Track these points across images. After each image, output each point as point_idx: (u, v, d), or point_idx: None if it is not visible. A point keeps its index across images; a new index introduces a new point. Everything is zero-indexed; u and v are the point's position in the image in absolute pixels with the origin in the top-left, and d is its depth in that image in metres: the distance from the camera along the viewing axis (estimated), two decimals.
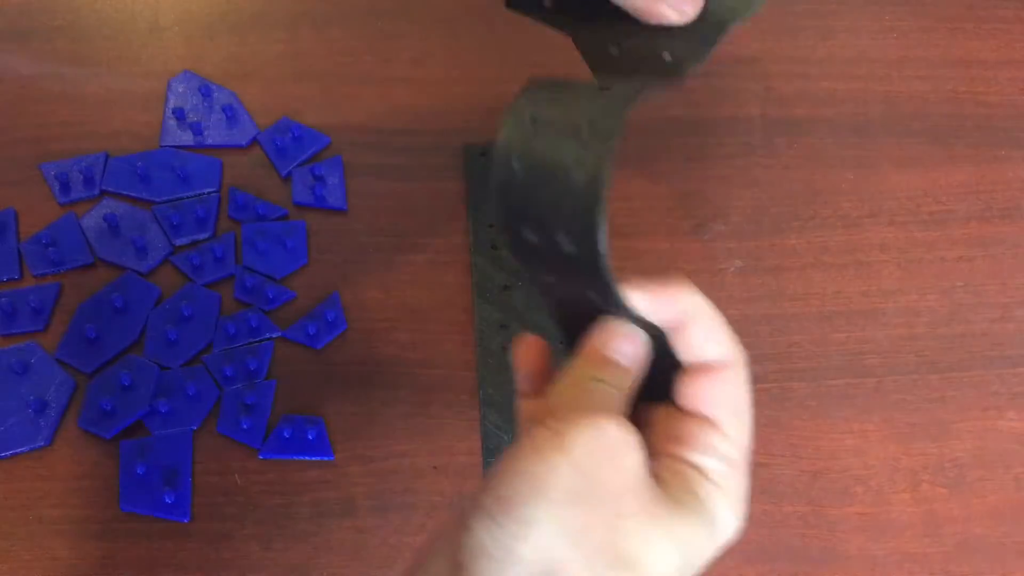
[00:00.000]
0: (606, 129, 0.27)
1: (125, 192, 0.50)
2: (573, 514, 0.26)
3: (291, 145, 0.52)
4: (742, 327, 0.47)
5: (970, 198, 0.52)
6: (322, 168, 0.51)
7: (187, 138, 0.52)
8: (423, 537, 0.42)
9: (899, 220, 0.51)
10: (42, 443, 0.43)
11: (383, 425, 0.45)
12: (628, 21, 0.34)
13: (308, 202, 0.50)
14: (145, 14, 0.57)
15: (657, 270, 0.49)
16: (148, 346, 0.46)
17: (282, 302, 0.47)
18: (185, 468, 0.43)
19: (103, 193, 0.51)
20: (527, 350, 0.32)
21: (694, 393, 0.30)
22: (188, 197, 0.50)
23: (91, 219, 0.50)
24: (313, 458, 0.44)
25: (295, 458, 0.44)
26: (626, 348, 0.30)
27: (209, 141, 0.52)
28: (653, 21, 0.34)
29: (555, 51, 0.56)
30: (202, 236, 0.49)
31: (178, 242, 0.49)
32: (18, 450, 0.43)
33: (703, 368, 0.30)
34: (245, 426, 0.44)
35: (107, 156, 0.51)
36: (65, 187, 0.50)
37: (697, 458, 0.29)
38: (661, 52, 0.33)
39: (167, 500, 0.42)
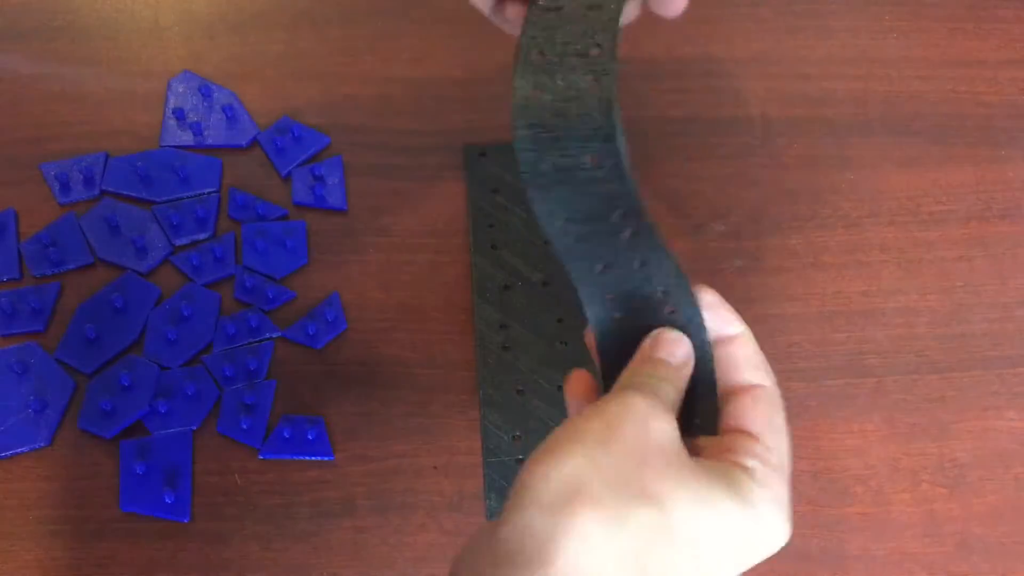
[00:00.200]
0: (608, 47, 0.32)
1: (125, 192, 0.50)
2: (602, 452, 0.29)
3: (291, 145, 0.52)
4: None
5: (970, 198, 0.52)
6: (322, 168, 0.51)
7: (187, 138, 0.52)
8: (424, 536, 0.42)
9: (899, 220, 0.51)
10: (42, 443, 0.43)
11: (383, 425, 0.45)
12: None
13: (308, 202, 0.50)
14: (145, 14, 0.57)
15: None
16: (148, 346, 0.46)
17: (282, 302, 0.48)
18: (185, 468, 0.43)
19: (103, 193, 0.51)
20: (576, 383, 0.34)
21: (736, 411, 0.33)
22: (188, 197, 0.50)
23: (91, 219, 0.50)
24: (313, 458, 0.44)
25: (295, 458, 0.44)
26: (674, 349, 0.33)
27: (209, 141, 0.52)
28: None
29: None
30: (202, 236, 0.49)
31: (178, 242, 0.49)
32: (18, 450, 0.43)
33: (742, 390, 0.33)
34: (245, 426, 0.44)
35: (107, 156, 0.51)
36: (65, 187, 0.50)
37: (739, 458, 0.31)
38: None
39: (167, 500, 0.42)
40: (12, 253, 0.48)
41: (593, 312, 0.34)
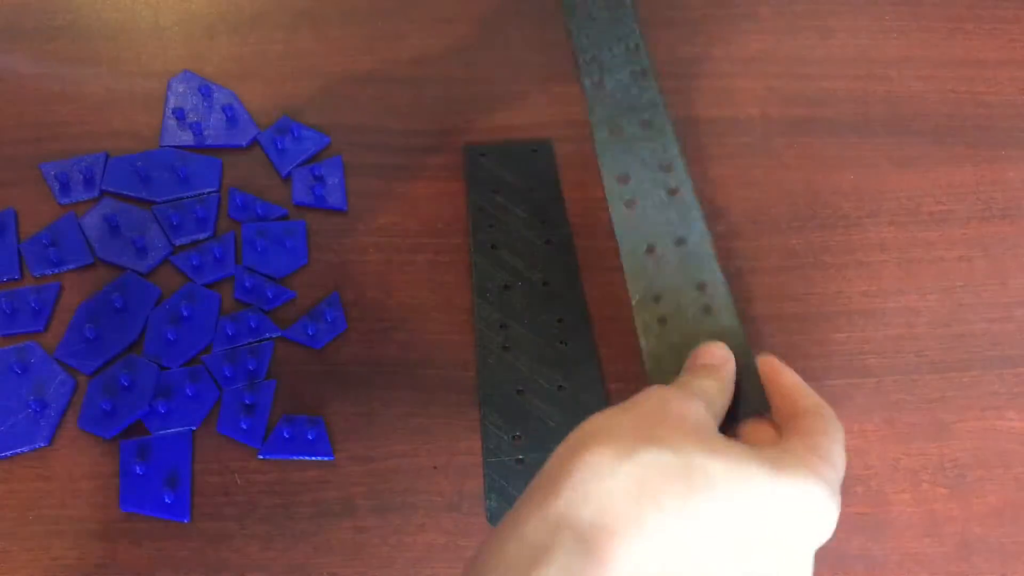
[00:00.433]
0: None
1: (125, 192, 0.50)
2: (620, 411, 0.32)
3: (291, 145, 0.52)
4: (742, 327, 0.47)
5: (970, 198, 0.52)
6: (322, 168, 0.51)
7: (187, 138, 0.52)
8: (424, 536, 0.42)
9: (899, 220, 0.51)
10: (42, 443, 0.43)
11: (383, 425, 0.45)
12: None
13: (308, 202, 0.50)
14: (145, 14, 0.57)
15: None
16: (148, 346, 0.46)
17: (282, 302, 0.48)
18: (185, 468, 0.43)
19: (103, 193, 0.51)
20: None
21: (793, 425, 0.34)
22: (188, 197, 0.50)
23: (91, 219, 0.50)
24: (313, 458, 0.44)
25: (295, 458, 0.44)
26: (714, 351, 0.36)
27: (209, 141, 0.52)
28: None
29: (554, 50, 0.57)
30: (202, 236, 0.49)
31: (178, 242, 0.49)
32: (18, 450, 0.43)
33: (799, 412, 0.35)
34: (245, 426, 0.44)
35: (107, 156, 0.51)
36: (65, 187, 0.50)
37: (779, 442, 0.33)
38: None
39: (167, 500, 0.42)
40: (12, 253, 0.48)
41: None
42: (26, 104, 0.53)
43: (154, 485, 0.42)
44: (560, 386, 0.45)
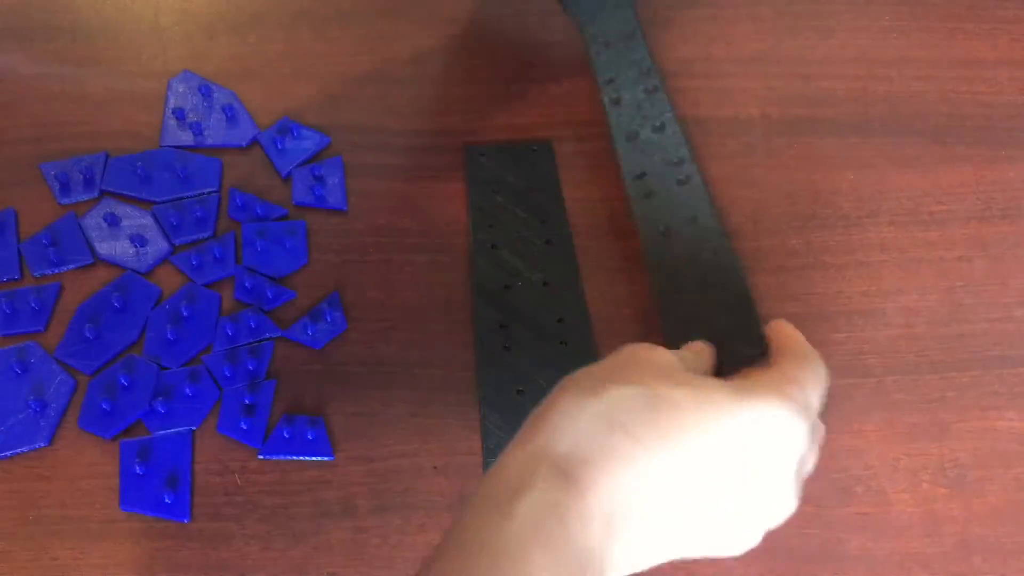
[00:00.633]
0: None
1: (125, 192, 0.50)
2: (603, 371, 0.34)
3: (291, 145, 0.52)
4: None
5: (970, 198, 0.52)
6: (322, 168, 0.51)
7: (187, 138, 0.52)
8: (424, 536, 0.42)
9: (899, 220, 0.51)
10: (42, 443, 0.43)
11: (383, 425, 0.45)
12: None
13: (308, 202, 0.50)
14: (145, 14, 0.57)
15: None
16: (148, 346, 0.46)
17: (282, 302, 0.48)
18: (185, 468, 0.43)
19: (103, 193, 0.51)
20: None
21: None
22: (188, 197, 0.50)
23: (91, 219, 0.50)
24: (313, 458, 0.44)
25: (295, 458, 0.44)
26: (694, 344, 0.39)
27: (209, 141, 0.52)
28: None
29: (555, 50, 0.57)
30: (202, 236, 0.49)
31: (178, 242, 0.49)
32: (18, 450, 0.43)
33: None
34: (245, 426, 0.44)
35: (107, 156, 0.51)
36: (65, 187, 0.50)
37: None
38: None
39: (167, 500, 0.42)
40: (12, 253, 0.48)
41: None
42: (26, 104, 0.53)
43: (154, 485, 0.42)
44: None
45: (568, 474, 0.31)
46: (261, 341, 0.46)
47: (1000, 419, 0.45)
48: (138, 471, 0.42)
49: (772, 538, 0.42)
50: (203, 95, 0.53)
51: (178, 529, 0.42)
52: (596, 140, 0.52)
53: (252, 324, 0.46)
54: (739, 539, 0.34)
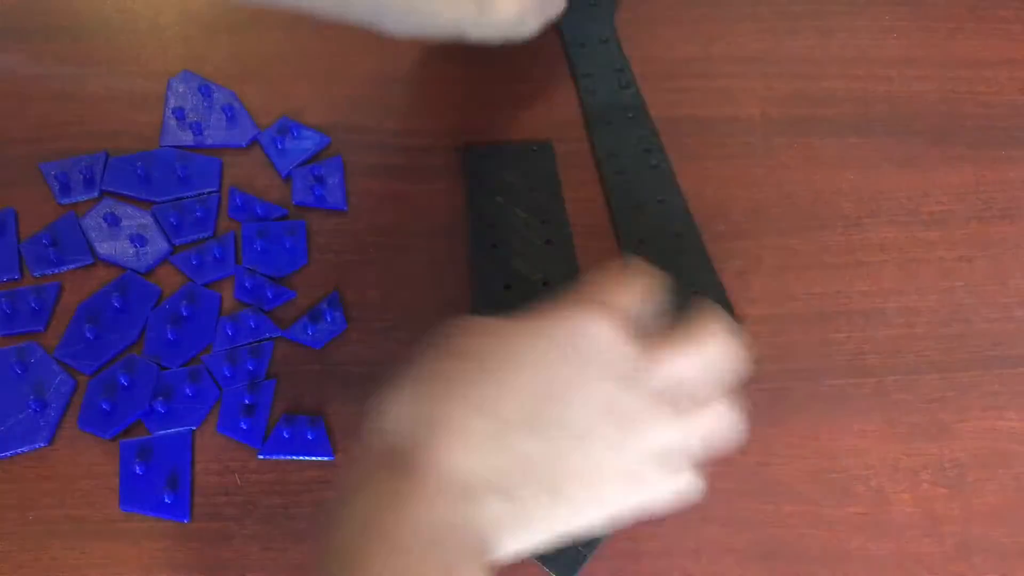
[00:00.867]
0: None
1: (125, 192, 0.50)
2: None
3: (291, 145, 0.52)
4: (742, 327, 0.47)
5: (970, 198, 0.52)
6: (322, 168, 0.51)
7: (187, 138, 0.52)
8: None
9: (899, 220, 0.51)
10: (41, 443, 0.43)
11: None
12: None
13: (308, 202, 0.50)
14: (145, 14, 0.57)
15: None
16: (148, 346, 0.46)
17: (282, 302, 0.48)
18: (185, 468, 0.43)
19: (103, 193, 0.51)
20: None
21: None
22: (188, 197, 0.50)
23: (91, 219, 0.50)
24: (313, 458, 0.44)
25: (295, 458, 0.44)
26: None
27: (209, 141, 0.52)
28: None
29: (554, 51, 0.57)
30: (202, 236, 0.49)
31: (178, 242, 0.49)
32: (17, 450, 0.43)
33: None
34: (245, 426, 0.44)
35: (107, 156, 0.51)
36: (65, 187, 0.50)
37: None
38: None
39: (167, 500, 0.42)
40: (12, 253, 0.48)
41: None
42: (26, 104, 0.53)
43: (154, 485, 0.42)
44: None
45: (398, 464, 0.31)
46: (261, 341, 0.46)
47: (1000, 419, 0.45)
48: (138, 471, 0.42)
49: (772, 538, 0.42)
50: (203, 95, 0.53)
51: (178, 529, 0.42)
52: None
53: (252, 324, 0.46)
54: (606, 471, 0.33)
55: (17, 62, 0.55)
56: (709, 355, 0.35)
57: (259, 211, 0.50)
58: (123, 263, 0.48)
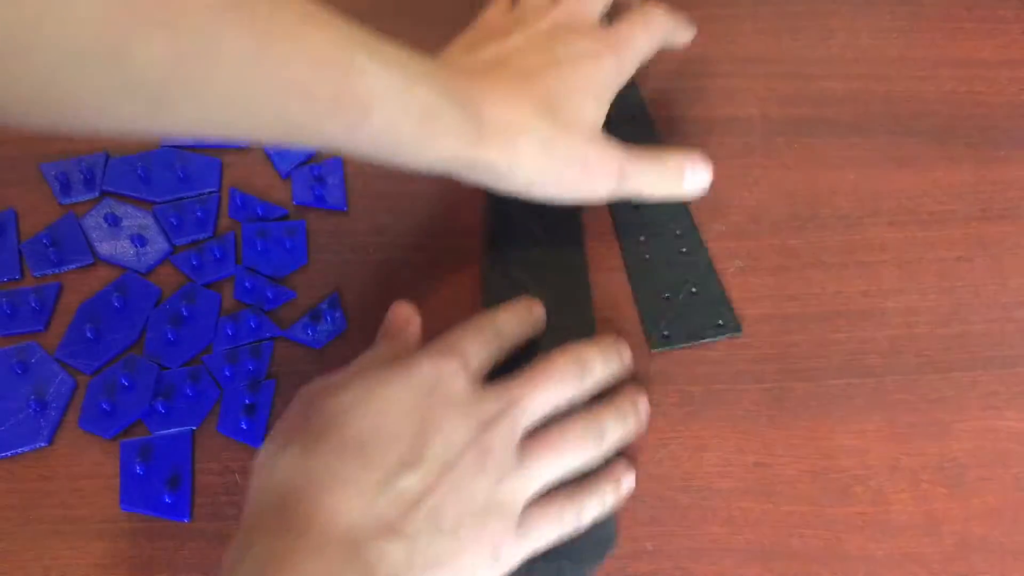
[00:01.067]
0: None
1: (125, 192, 0.50)
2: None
3: None
4: (742, 327, 0.47)
5: (970, 198, 0.52)
6: (322, 168, 0.51)
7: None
8: None
9: (899, 220, 0.51)
10: (42, 443, 0.44)
11: None
12: None
13: (308, 202, 0.50)
14: None
15: None
16: (148, 346, 0.46)
17: (282, 302, 0.48)
18: (185, 468, 0.43)
19: (103, 193, 0.51)
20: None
21: None
22: (188, 197, 0.51)
23: (91, 219, 0.50)
24: None
25: None
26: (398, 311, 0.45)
27: (209, 141, 0.52)
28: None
29: None
30: (202, 236, 0.49)
31: (178, 242, 0.49)
32: (18, 450, 0.43)
33: None
34: (245, 426, 0.44)
35: (107, 156, 0.51)
36: (65, 187, 0.50)
37: None
38: None
39: (167, 500, 0.42)
40: (12, 253, 0.48)
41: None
42: None
43: (154, 485, 0.42)
44: None
45: (291, 520, 0.33)
46: (261, 341, 0.46)
47: (1000, 419, 0.45)
48: (138, 471, 0.42)
49: (772, 538, 0.42)
50: None
51: (178, 529, 0.42)
52: None
53: (252, 324, 0.46)
54: (479, 501, 0.37)
55: None
56: (560, 388, 0.40)
57: (259, 211, 0.50)
58: (123, 263, 0.48)
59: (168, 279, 0.48)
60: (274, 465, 0.35)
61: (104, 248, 0.49)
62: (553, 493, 0.39)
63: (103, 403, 0.44)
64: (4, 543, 0.41)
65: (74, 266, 0.48)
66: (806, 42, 0.58)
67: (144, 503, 0.42)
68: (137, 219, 0.50)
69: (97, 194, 0.50)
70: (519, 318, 0.43)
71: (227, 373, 0.45)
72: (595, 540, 0.40)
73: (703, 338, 0.46)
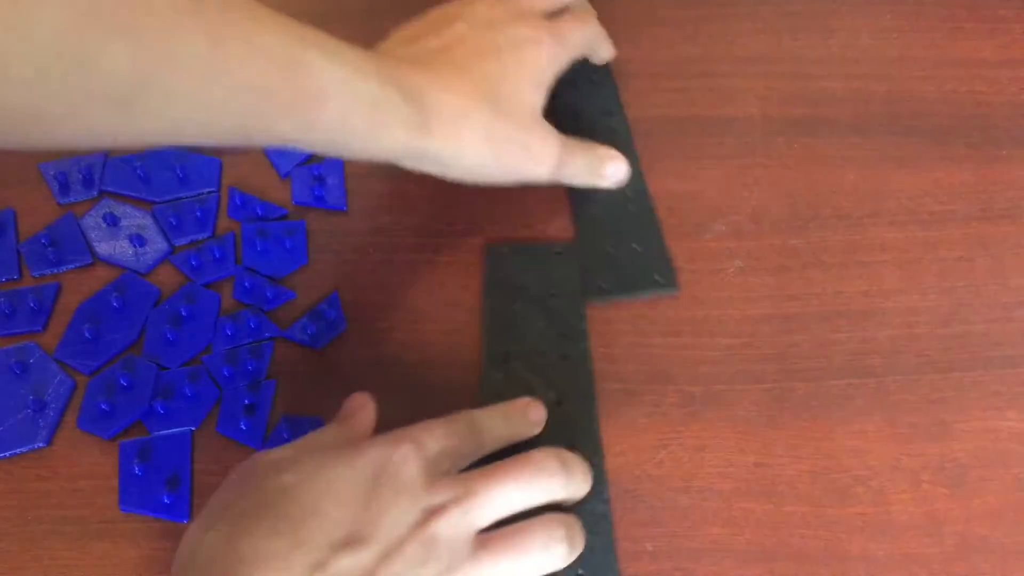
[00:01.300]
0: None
1: (124, 192, 0.50)
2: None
3: None
4: (742, 327, 0.48)
5: (971, 198, 0.52)
6: (322, 168, 0.51)
7: None
8: None
9: (899, 220, 0.51)
10: (41, 443, 0.43)
11: (382, 425, 0.44)
12: None
13: (308, 202, 0.50)
14: None
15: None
16: (147, 346, 0.46)
17: (282, 302, 0.47)
18: (184, 468, 0.43)
19: (102, 193, 0.51)
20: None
21: None
22: (187, 197, 0.50)
23: (90, 219, 0.50)
24: None
25: None
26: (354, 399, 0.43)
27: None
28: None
29: None
30: (201, 236, 0.49)
31: (177, 242, 0.49)
32: (17, 450, 0.43)
33: None
34: (244, 426, 0.44)
35: (106, 156, 0.51)
36: (64, 187, 0.50)
37: None
38: None
39: (166, 500, 0.42)
40: (11, 253, 0.48)
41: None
42: None
43: (153, 485, 0.42)
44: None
45: None
46: (261, 341, 0.46)
47: (1001, 419, 0.45)
48: (137, 471, 0.42)
49: (773, 538, 0.42)
50: None
51: (178, 529, 0.42)
52: None
53: (252, 324, 0.46)
54: None
55: None
56: (527, 491, 0.38)
57: (259, 211, 0.50)
58: (122, 263, 0.48)
59: (167, 279, 0.48)
60: (200, 541, 0.34)
61: (103, 248, 0.49)
62: None
63: (102, 403, 0.44)
64: (2, 544, 0.41)
65: (73, 266, 0.48)
66: (806, 42, 0.57)
67: (143, 504, 0.42)
68: (136, 219, 0.50)
69: (96, 194, 0.50)
70: (507, 418, 0.41)
71: (226, 373, 0.45)
72: None
73: (638, 292, 0.47)
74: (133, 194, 0.50)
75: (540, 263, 0.49)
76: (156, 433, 0.44)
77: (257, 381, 0.45)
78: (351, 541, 0.34)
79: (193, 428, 0.44)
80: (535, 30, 0.46)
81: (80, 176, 0.50)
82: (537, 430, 0.42)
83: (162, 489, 0.42)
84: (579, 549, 0.38)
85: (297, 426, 0.44)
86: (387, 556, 0.34)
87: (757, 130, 0.54)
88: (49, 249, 0.48)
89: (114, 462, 0.43)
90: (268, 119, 0.35)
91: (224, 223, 0.50)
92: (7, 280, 0.48)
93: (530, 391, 0.43)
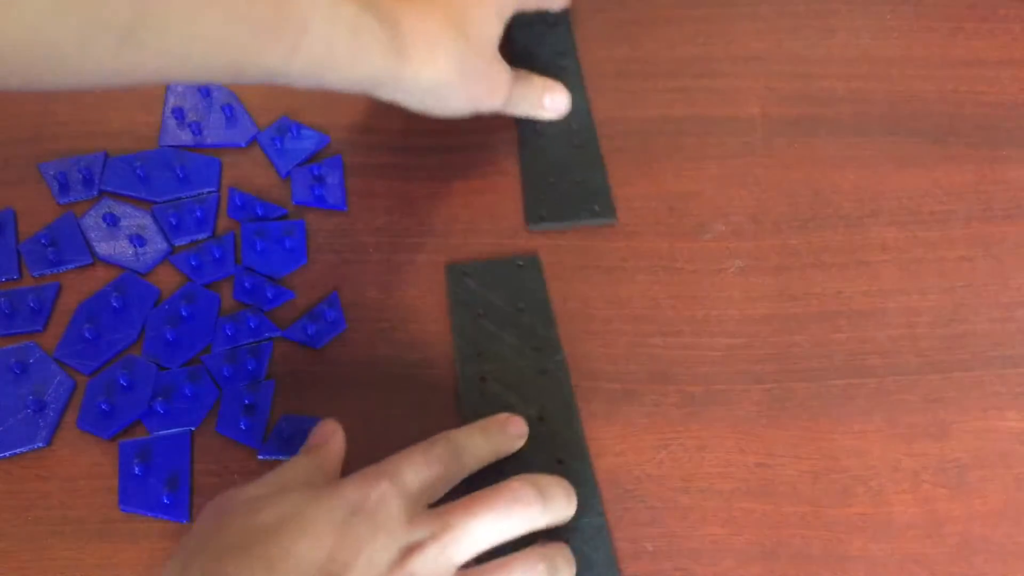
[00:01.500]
0: None
1: (124, 192, 0.50)
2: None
3: (290, 144, 0.52)
4: (742, 327, 0.48)
5: (971, 198, 0.52)
6: (322, 168, 0.51)
7: (186, 138, 0.52)
8: None
9: (900, 220, 0.51)
10: (40, 443, 0.43)
11: (383, 425, 0.44)
12: None
13: (308, 202, 0.50)
14: None
15: (657, 270, 0.49)
16: (147, 346, 0.46)
17: (281, 302, 0.47)
18: (184, 468, 0.43)
19: (102, 193, 0.51)
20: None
21: None
22: (187, 197, 0.50)
23: (90, 219, 0.49)
24: None
25: None
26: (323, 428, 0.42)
27: (208, 141, 0.52)
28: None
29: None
30: (201, 236, 0.49)
31: (177, 242, 0.49)
32: (16, 450, 0.43)
33: None
34: (244, 426, 0.44)
35: (106, 156, 0.51)
36: (64, 187, 0.50)
37: None
38: None
39: (166, 500, 0.42)
40: (11, 253, 0.48)
41: None
42: (25, 104, 0.53)
43: (153, 485, 0.42)
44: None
45: None
46: (260, 341, 0.46)
47: (1001, 419, 0.45)
48: (137, 471, 0.42)
49: (773, 539, 0.42)
50: (202, 95, 0.53)
51: (178, 529, 0.42)
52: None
53: (252, 324, 0.46)
54: None
55: None
56: (507, 521, 0.37)
57: (259, 211, 0.50)
58: (122, 263, 0.48)
59: (167, 279, 0.48)
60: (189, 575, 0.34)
61: (103, 248, 0.49)
62: None
63: (102, 403, 0.44)
64: (2, 544, 0.41)
65: (73, 266, 0.48)
66: (806, 42, 0.57)
67: (143, 504, 0.42)
68: (136, 219, 0.50)
69: (96, 194, 0.50)
70: (487, 435, 0.40)
71: (226, 373, 0.45)
72: None
73: (576, 220, 0.49)
74: (133, 194, 0.50)
75: (503, 278, 0.48)
76: (156, 433, 0.44)
77: (257, 381, 0.45)
78: None
79: (193, 428, 0.44)
80: None
81: (80, 176, 0.50)
82: (519, 443, 0.41)
83: (162, 489, 0.42)
84: None
85: (297, 426, 0.44)
86: None
87: (757, 130, 0.54)
88: (49, 249, 0.48)
89: (114, 462, 0.43)
90: (256, 50, 0.37)
91: (224, 223, 0.50)
92: (7, 280, 0.48)
93: (509, 409, 0.43)
